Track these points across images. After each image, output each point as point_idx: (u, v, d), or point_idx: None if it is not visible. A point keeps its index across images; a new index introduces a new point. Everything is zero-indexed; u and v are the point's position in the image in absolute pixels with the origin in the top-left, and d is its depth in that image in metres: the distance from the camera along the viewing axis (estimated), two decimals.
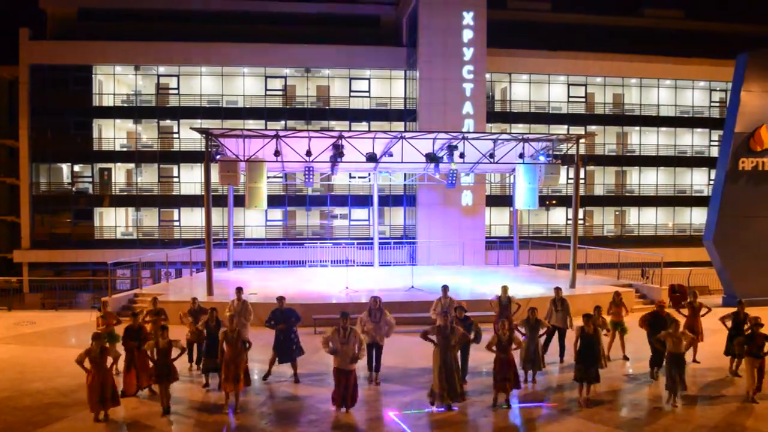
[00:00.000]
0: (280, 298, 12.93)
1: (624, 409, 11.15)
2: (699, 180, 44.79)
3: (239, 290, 13.78)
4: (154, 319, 12.98)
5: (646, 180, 44.25)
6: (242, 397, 11.19)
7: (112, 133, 39.81)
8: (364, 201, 39.32)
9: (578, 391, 11.29)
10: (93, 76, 39.14)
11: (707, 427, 10.19)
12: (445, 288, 14.12)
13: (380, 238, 29.74)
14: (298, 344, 12.74)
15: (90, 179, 40.05)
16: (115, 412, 10.55)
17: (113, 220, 39.94)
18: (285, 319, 12.64)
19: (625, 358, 14.23)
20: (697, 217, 43.29)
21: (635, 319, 13.74)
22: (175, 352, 10.86)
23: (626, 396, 11.87)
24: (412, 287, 20.79)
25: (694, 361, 13.73)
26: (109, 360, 10.42)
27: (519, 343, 11.34)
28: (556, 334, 14.05)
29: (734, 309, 13.27)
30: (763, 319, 12.05)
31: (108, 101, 39.57)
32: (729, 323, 13.05)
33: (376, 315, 12.42)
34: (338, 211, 41.39)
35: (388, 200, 39.90)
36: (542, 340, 13.18)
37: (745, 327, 12.39)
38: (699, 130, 44.37)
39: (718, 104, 44.31)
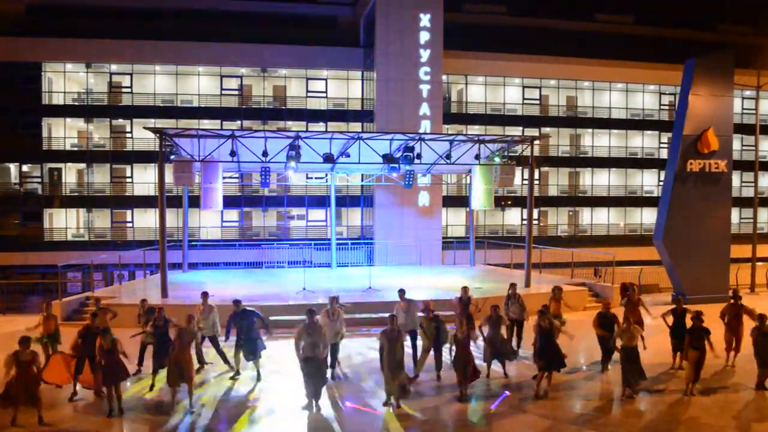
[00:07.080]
0: (237, 302, 12.75)
1: (577, 404, 11.36)
2: (649, 181, 45.98)
3: (205, 295, 13.73)
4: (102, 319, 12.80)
5: (598, 181, 45.18)
6: (194, 396, 11.05)
7: (62, 133, 38.79)
8: (321, 201, 39.20)
9: (538, 380, 11.64)
10: (42, 73, 38.04)
11: (657, 420, 10.48)
12: (401, 292, 13.71)
13: (338, 239, 29.72)
14: (261, 341, 12.63)
15: (39, 179, 38.89)
16: (59, 415, 10.29)
17: (63, 222, 38.93)
18: (245, 320, 12.52)
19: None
20: (648, 217, 44.40)
21: (590, 317, 14.08)
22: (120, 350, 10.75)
23: (579, 391, 12.09)
24: (370, 288, 20.84)
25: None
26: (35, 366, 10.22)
27: (476, 337, 11.62)
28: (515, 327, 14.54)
29: (673, 306, 13.67)
30: (709, 316, 12.39)
31: (58, 99, 38.49)
32: (669, 319, 13.41)
33: (333, 315, 12.44)
34: (295, 211, 41.17)
35: (346, 201, 39.84)
36: (506, 333, 13.58)
37: (690, 316, 12.69)
38: (649, 132, 45.55)
39: (667, 107, 45.55)
